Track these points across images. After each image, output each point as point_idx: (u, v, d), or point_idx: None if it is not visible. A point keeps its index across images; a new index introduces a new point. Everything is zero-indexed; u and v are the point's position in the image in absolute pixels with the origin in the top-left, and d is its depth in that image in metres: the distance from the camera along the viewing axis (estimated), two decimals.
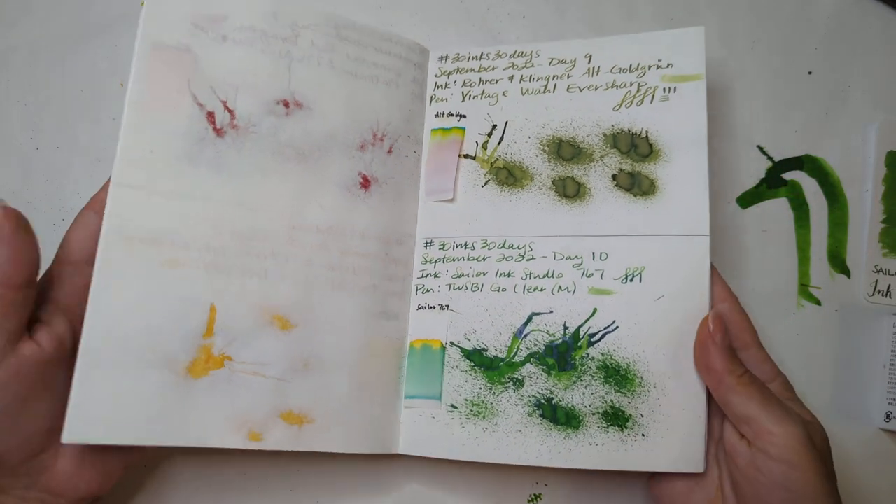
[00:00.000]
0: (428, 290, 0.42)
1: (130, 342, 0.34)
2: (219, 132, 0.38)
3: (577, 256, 0.41)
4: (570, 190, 0.42)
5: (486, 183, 0.43)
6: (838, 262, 0.46)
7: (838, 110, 0.48)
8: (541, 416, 0.39)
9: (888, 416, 0.43)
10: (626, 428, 0.39)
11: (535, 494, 0.43)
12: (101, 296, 0.34)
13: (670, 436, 0.38)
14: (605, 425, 0.39)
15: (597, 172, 0.42)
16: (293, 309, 0.39)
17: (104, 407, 0.33)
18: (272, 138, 0.39)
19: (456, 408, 0.40)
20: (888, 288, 0.45)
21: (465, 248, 0.42)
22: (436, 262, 0.43)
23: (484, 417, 0.40)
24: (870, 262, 0.46)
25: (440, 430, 0.40)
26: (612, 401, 0.39)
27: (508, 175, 0.43)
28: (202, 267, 0.36)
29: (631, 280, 0.40)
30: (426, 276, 0.43)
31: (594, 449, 0.39)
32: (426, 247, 0.43)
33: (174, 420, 0.35)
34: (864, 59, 0.49)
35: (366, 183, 0.42)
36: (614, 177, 0.42)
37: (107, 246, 0.34)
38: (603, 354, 0.39)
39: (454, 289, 0.42)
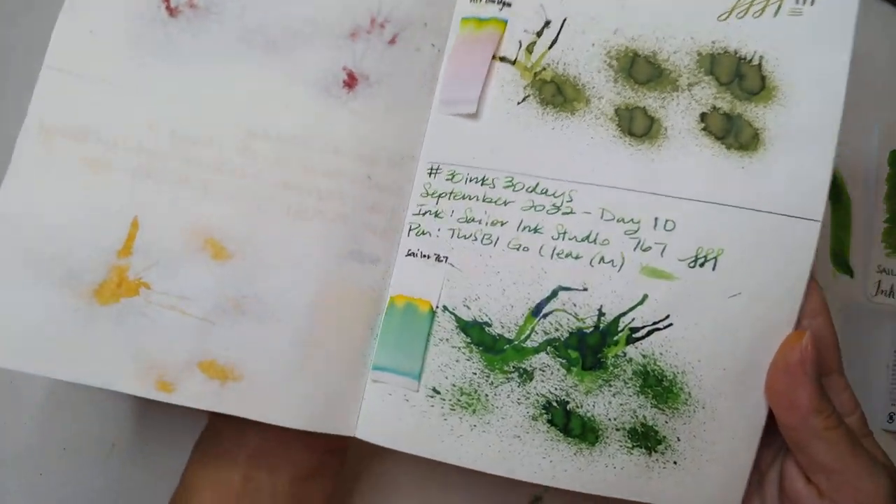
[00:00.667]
0: (424, 233, 0.32)
1: (35, 254, 0.30)
2: (172, 12, 0.32)
3: (632, 220, 0.30)
4: (638, 125, 0.30)
5: (524, 99, 0.32)
6: (841, 261, 0.45)
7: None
8: (549, 421, 0.30)
9: (891, 418, 0.43)
10: (656, 452, 0.29)
11: (535, 496, 0.40)
12: (11, 195, 0.30)
13: (709, 467, 0.29)
14: (629, 445, 0.29)
15: (679, 106, 0.30)
16: (232, 235, 0.31)
17: (1, 324, 0.30)
18: (237, 22, 0.32)
19: (438, 393, 0.31)
20: (891, 288, 0.45)
21: (482, 183, 0.31)
22: (439, 196, 0.32)
23: (474, 412, 0.31)
24: (873, 263, 0.45)
25: (413, 418, 0.31)
26: (644, 416, 0.29)
27: (556, 92, 0.31)
28: (129, 171, 0.31)
29: (701, 265, 0.29)
30: (424, 214, 0.32)
31: (610, 472, 0.29)
32: (430, 174, 0.32)
33: (70, 352, 0.30)
34: (866, 58, 0.47)
35: (351, 81, 0.32)
36: (703, 116, 0.30)
37: (25, 137, 0.30)
38: (645, 357, 0.29)
39: (458, 236, 0.31)
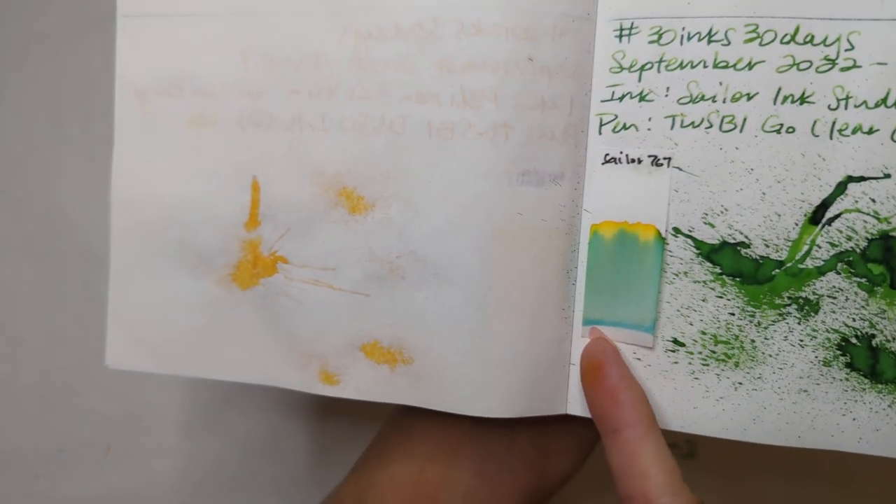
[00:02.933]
0: (626, 126, 0.22)
1: (163, 240, 0.26)
2: None
3: None
4: None
5: None
6: None
7: None
8: (847, 365, 0.22)
9: None
10: None
11: None
12: (124, 176, 0.26)
13: None
14: None
15: None
16: (367, 178, 0.24)
17: (142, 324, 0.26)
18: None
19: (682, 345, 0.23)
20: None
21: (710, 39, 0.21)
22: (643, 68, 0.22)
23: (737, 364, 0.22)
24: None
25: (650, 382, 0.23)
26: None
27: None
28: (235, 121, 0.25)
29: None
30: (621, 99, 0.22)
31: None
32: (620, 37, 0.22)
33: (222, 347, 0.26)
34: None
35: None
36: None
37: (122, 106, 0.26)
38: None
39: (682, 125, 0.22)
